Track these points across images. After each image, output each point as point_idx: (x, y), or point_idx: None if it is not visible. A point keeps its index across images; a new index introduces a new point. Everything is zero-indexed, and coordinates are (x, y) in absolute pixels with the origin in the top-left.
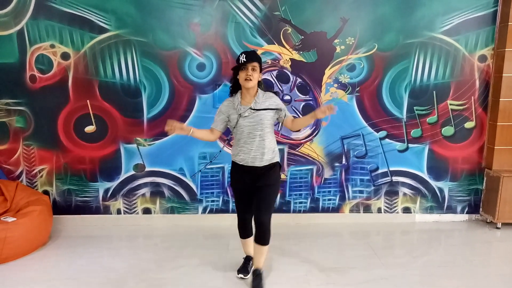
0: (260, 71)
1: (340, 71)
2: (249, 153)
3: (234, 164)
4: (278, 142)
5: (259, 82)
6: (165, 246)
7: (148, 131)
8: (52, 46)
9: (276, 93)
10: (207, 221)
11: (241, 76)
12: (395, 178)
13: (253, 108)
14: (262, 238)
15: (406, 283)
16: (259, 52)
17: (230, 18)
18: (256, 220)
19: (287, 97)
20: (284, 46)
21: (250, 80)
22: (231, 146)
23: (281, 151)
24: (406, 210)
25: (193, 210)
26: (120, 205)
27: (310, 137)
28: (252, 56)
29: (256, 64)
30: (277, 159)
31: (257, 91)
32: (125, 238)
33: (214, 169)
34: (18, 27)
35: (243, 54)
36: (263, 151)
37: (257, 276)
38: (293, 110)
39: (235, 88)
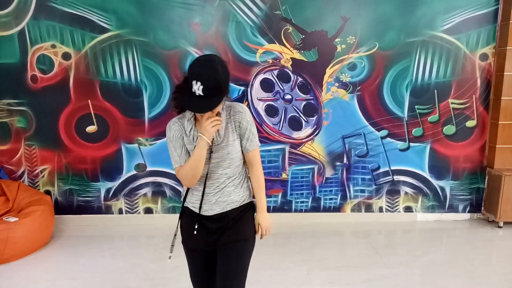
0: (225, 95)
1: (341, 70)
2: (208, 198)
3: (185, 211)
4: (279, 142)
5: None
6: (166, 245)
7: (149, 130)
8: (53, 46)
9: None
10: None
11: (200, 117)
12: (396, 177)
13: (215, 141)
14: None
15: (407, 282)
16: (259, 51)
17: (231, 17)
18: None
19: (288, 97)
20: (285, 45)
21: (215, 121)
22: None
23: (282, 150)
24: (408, 209)
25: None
26: (122, 205)
27: (311, 136)
28: (213, 91)
29: (219, 104)
30: (249, 198)
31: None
32: (127, 238)
33: None
34: (19, 27)
35: (198, 83)
36: (229, 195)
37: None
38: (294, 109)
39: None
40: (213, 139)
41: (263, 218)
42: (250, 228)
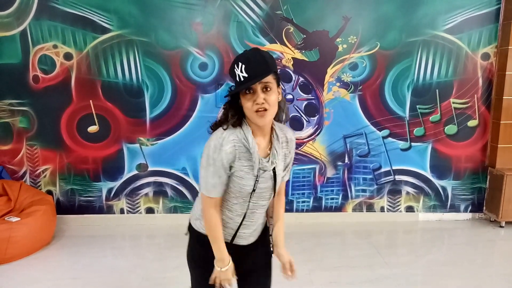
0: (279, 84)
1: (342, 70)
2: (247, 227)
3: (202, 238)
4: None
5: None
6: (168, 245)
7: (150, 130)
8: (55, 46)
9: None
10: None
11: (247, 105)
12: (398, 177)
13: (273, 161)
14: None
15: (409, 282)
16: None
17: (232, 17)
18: None
19: (289, 96)
20: (286, 45)
21: (265, 110)
22: None
23: None
24: (409, 209)
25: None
26: (123, 204)
27: (312, 136)
28: (257, 65)
29: (269, 77)
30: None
31: (272, 125)
32: (128, 238)
33: None
34: (21, 28)
35: (240, 65)
36: (260, 223)
37: None
38: (296, 109)
39: (238, 114)
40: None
41: (286, 253)
42: (270, 251)
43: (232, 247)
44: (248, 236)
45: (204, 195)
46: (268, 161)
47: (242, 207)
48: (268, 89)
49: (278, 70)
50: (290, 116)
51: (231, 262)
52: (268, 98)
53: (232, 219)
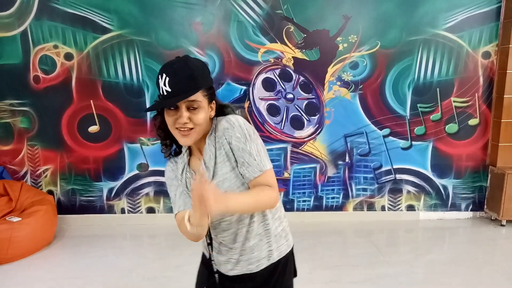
0: (212, 99)
1: (343, 69)
2: (219, 252)
3: (204, 258)
4: (281, 141)
5: (219, 109)
6: (169, 245)
7: (151, 130)
8: (56, 46)
9: (232, 110)
10: None
11: (168, 121)
12: (398, 176)
13: (207, 167)
14: None
15: (410, 281)
16: (261, 51)
17: (233, 17)
18: None
19: (290, 96)
20: (286, 45)
21: (188, 130)
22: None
23: (284, 149)
24: (410, 207)
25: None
26: (124, 204)
27: (313, 135)
28: (183, 80)
29: (199, 96)
30: (285, 248)
31: (210, 129)
32: (129, 237)
33: None
34: (21, 28)
35: (164, 77)
36: (251, 251)
37: None
38: (296, 108)
39: (165, 139)
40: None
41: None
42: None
43: (215, 272)
44: (224, 263)
45: (176, 215)
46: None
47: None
48: (195, 107)
49: (280, 70)
50: (291, 115)
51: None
52: (194, 117)
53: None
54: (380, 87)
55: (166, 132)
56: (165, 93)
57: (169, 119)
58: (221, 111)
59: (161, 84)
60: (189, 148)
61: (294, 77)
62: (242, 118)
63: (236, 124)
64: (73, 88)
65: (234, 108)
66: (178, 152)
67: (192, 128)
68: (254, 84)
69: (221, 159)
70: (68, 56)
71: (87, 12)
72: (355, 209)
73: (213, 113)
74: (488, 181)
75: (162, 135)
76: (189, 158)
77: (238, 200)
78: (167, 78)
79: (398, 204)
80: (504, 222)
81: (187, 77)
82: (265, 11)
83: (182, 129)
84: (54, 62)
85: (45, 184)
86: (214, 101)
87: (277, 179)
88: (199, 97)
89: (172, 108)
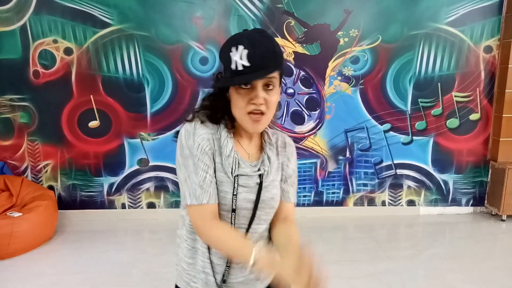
0: (280, 83)
1: (343, 64)
2: (238, 269)
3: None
4: None
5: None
6: (169, 240)
7: (151, 125)
8: (55, 41)
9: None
10: None
11: (239, 103)
12: (399, 171)
13: (262, 169)
14: None
15: (410, 276)
16: None
17: (233, 11)
18: None
19: (290, 90)
20: (287, 39)
21: (262, 114)
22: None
23: None
24: (411, 203)
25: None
26: (125, 199)
27: (313, 131)
28: (265, 54)
29: (276, 73)
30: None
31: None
32: (130, 233)
33: None
34: (20, 23)
35: (241, 49)
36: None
37: None
38: (297, 103)
39: (216, 117)
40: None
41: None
42: None
43: None
44: (240, 285)
45: (193, 208)
46: (255, 165)
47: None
48: (271, 87)
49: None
50: (291, 110)
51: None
52: (268, 98)
53: (216, 254)
54: (381, 82)
55: (221, 111)
56: (240, 68)
57: (240, 101)
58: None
59: (236, 57)
60: (234, 131)
61: (294, 72)
62: None
63: (294, 146)
64: (73, 83)
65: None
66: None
67: (263, 114)
68: None
69: (275, 166)
70: (68, 51)
71: (87, 6)
72: (355, 204)
73: (279, 99)
74: (489, 176)
75: (214, 106)
76: (232, 141)
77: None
78: (246, 51)
79: (399, 199)
80: (504, 217)
81: (269, 50)
82: (266, 5)
83: (256, 112)
84: (53, 57)
85: (45, 180)
86: (281, 86)
87: None
88: (277, 74)
89: (244, 87)
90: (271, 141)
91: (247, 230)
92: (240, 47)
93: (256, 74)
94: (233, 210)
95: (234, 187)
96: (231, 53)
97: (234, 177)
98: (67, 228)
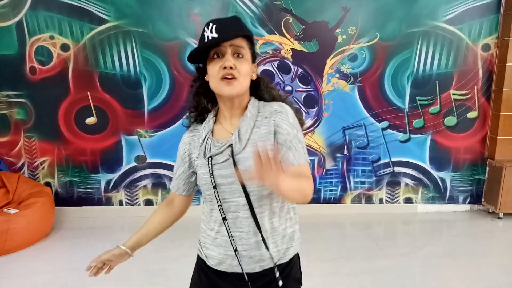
0: (254, 60)
1: (341, 61)
2: (233, 240)
3: (200, 264)
4: None
5: (254, 82)
6: (167, 237)
7: (149, 122)
8: (52, 37)
9: (284, 100)
10: None
11: (212, 71)
12: (397, 169)
13: (234, 146)
14: None
15: (407, 273)
16: (259, 42)
17: (231, 8)
18: None
19: (288, 88)
20: (285, 36)
21: (233, 78)
22: None
23: None
24: (408, 200)
25: (195, 201)
26: (122, 196)
27: (311, 128)
28: (230, 25)
29: (242, 42)
30: (294, 246)
31: (247, 103)
32: (127, 230)
33: None
34: (17, 18)
35: (211, 25)
36: (265, 239)
37: None
38: (295, 100)
39: (201, 104)
40: (231, 146)
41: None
42: None
43: (227, 277)
44: (228, 259)
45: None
46: (224, 144)
47: (217, 212)
48: (240, 55)
49: (278, 62)
50: None
51: (122, 247)
52: (239, 65)
53: (219, 232)
54: (379, 80)
55: (203, 95)
56: (209, 40)
57: (213, 68)
58: (260, 89)
59: (207, 33)
60: (215, 116)
61: (292, 69)
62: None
63: (290, 112)
64: (69, 79)
65: (279, 93)
66: (202, 120)
67: (235, 79)
68: None
69: (255, 137)
70: (65, 47)
71: (84, 2)
72: (353, 201)
73: (254, 76)
74: (486, 174)
75: (198, 100)
76: (212, 126)
77: (288, 179)
78: (214, 25)
79: (396, 197)
80: (501, 215)
81: (234, 23)
82: (264, 2)
83: (227, 76)
84: (50, 53)
85: (42, 176)
86: (255, 64)
87: None
88: (245, 46)
89: (216, 57)
90: (252, 115)
91: (246, 196)
92: (210, 24)
93: (223, 38)
94: (214, 187)
95: (209, 167)
96: (204, 32)
97: (208, 158)
98: (64, 225)
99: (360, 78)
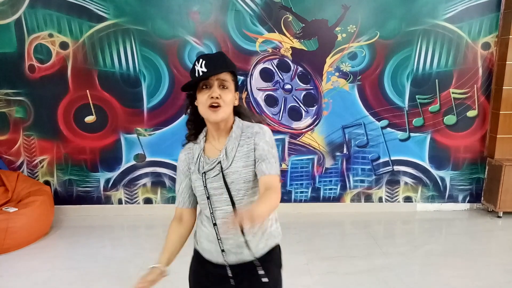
0: (236, 89)
1: (341, 60)
2: (221, 242)
3: (196, 254)
4: (279, 132)
5: (237, 108)
6: (166, 235)
7: (148, 121)
8: (51, 35)
9: (260, 121)
10: None
11: (201, 99)
12: (396, 168)
13: (222, 163)
14: None
15: (406, 272)
16: (259, 41)
17: (230, 6)
18: None
19: (287, 86)
20: (284, 34)
21: (218, 106)
22: None
23: (282, 140)
24: (407, 199)
25: None
26: (121, 195)
27: (311, 127)
28: (217, 62)
29: (226, 76)
30: (274, 240)
31: (232, 124)
32: (127, 228)
33: None
34: (15, 16)
35: (201, 61)
36: (246, 237)
37: None
38: (294, 99)
39: (197, 125)
40: (219, 163)
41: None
42: (276, 278)
43: (216, 267)
44: (215, 253)
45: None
46: (215, 161)
47: (209, 219)
48: (225, 87)
49: (278, 60)
50: (289, 106)
51: (158, 266)
52: (224, 95)
53: (210, 233)
54: (379, 78)
55: (195, 122)
56: (201, 73)
57: (202, 98)
58: (241, 112)
59: (198, 67)
60: (205, 136)
61: (292, 68)
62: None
63: (267, 132)
64: (68, 77)
65: (253, 116)
66: (195, 138)
67: (220, 107)
68: (251, 75)
69: (240, 154)
70: (64, 45)
71: (83, 0)
72: (352, 200)
73: (236, 102)
74: (486, 173)
75: (192, 125)
76: (203, 145)
77: (261, 205)
78: (203, 61)
79: (396, 196)
80: (500, 214)
81: (220, 60)
82: (263, 0)
83: (214, 105)
84: (49, 51)
85: (41, 175)
86: (237, 93)
87: None
88: (229, 79)
89: (204, 88)
90: (236, 135)
91: (233, 204)
92: (200, 60)
93: (211, 73)
94: (208, 198)
95: (203, 181)
96: (195, 66)
97: (202, 173)
98: (63, 223)
99: (359, 77)
